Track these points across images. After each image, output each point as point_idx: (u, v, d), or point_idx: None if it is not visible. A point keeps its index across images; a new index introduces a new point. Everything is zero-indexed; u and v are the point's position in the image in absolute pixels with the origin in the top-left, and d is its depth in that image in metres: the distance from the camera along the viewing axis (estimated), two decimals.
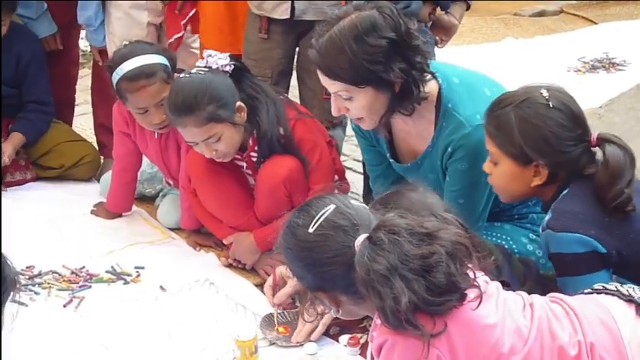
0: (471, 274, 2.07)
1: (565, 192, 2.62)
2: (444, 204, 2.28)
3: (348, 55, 2.69)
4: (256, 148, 3.44)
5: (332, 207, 2.17)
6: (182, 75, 3.39)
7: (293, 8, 3.79)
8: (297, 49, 4.00)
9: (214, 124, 3.27)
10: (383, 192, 2.31)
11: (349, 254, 2.09)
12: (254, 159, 3.48)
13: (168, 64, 3.62)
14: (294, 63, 4.07)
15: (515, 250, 2.98)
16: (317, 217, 2.15)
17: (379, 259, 2.01)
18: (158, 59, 3.59)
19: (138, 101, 3.59)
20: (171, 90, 3.37)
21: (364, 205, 2.24)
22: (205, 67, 3.33)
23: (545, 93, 2.61)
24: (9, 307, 2.09)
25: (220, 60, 3.32)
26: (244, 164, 3.53)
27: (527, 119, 2.59)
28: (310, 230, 2.14)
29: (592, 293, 2.34)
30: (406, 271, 2.00)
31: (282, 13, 3.82)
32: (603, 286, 2.34)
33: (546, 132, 2.58)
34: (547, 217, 2.62)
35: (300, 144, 3.41)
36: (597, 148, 2.62)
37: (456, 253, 2.04)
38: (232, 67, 3.34)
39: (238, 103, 3.32)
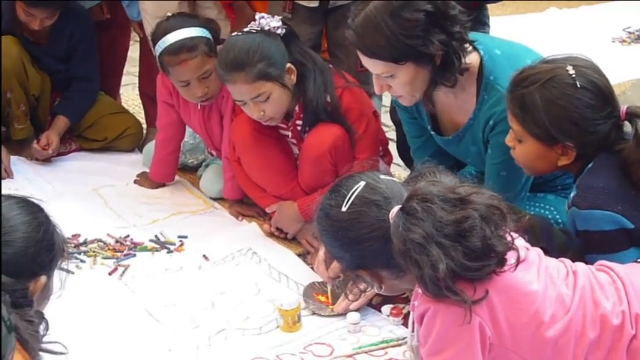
0: (508, 238, 2.08)
1: (589, 166, 2.55)
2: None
3: (386, 32, 2.66)
4: (302, 116, 3.45)
5: (362, 184, 2.18)
6: (234, 34, 3.40)
7: None
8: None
9: (264, 82, 3.27)
10: (424, 163, 2.31)
11: (385, 228, 2.11)
12: (299, 127, 3.49)
13: (211, 37, 3.63)
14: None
15: (560, 221, 2.95)
16: (348, 196, 2.17)
17: (414, 228, 2.02)
18: (200, 32, 3.60)
19: (180, 74, 3.61)
20: (223, 47, 3.38)
21: (394, 179, 2.25)
22: (257, 27, 3.34)
23: (571, 70, 2.49)
24: (57, 275, 2.14)
25: (272, 22, 3.33)
26: (289, 133, 3.54)
27: (554, 101, 2.48)
28: (343, 209, 2.16)
29: None
30: (442, 238, 2.01)
31: (311, 1, 3.81)
32: None
33: (574, 113, 2.48)
34: (572, 194, 2.55)
35: (347, 113, 3.41)
36: (626, 121, 2.52)
37: (490, 217, 2.04)
38: (284, 30, 3.35)
39: (288, 65, 3.33)
